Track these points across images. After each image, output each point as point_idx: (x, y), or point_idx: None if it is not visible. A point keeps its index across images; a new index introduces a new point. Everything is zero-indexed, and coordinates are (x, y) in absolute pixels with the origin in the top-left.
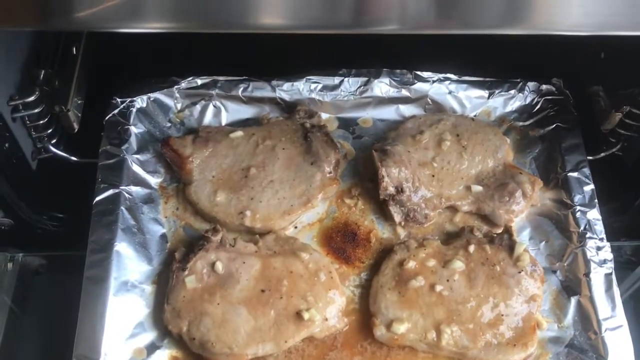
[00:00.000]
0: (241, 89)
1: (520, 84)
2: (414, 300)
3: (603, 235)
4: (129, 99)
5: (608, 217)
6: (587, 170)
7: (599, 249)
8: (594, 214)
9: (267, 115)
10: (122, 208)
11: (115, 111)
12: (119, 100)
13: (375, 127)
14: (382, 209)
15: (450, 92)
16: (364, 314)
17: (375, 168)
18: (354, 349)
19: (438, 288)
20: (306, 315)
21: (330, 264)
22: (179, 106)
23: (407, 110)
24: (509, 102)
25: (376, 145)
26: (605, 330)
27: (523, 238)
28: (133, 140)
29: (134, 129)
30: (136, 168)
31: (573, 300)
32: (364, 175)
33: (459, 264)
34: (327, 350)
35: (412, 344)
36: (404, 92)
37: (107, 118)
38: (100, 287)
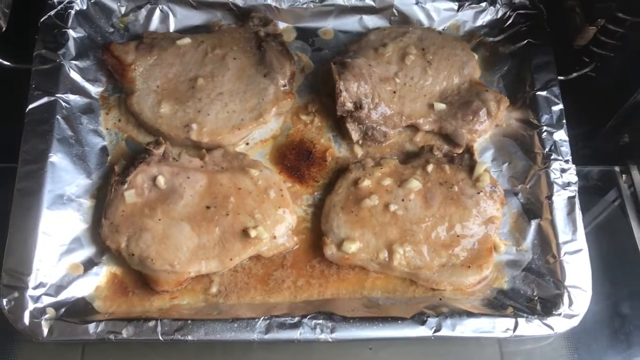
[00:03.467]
0: None
1: None
2: (367, 219)
3: (569, 157)
4: (66, 0)
5: (577, 142)
6: (556, 90)
7: (563, 171)
8: (561, 135)
9: (218, 22)
10: (58, 117)
11: (52, 12)
12: (55, 1)
13: (336, 40)
14: (339, 126)
15: (417, 3)
16: (316, 234)
17: (333, 82)
18: (302, 268)
19: (392, 207)
20: (253, 233)
21: (281, 181)
22: (122, 10)
23: (370, 21)
24: (479, 15)
25: (336, 58)
26: (564, 254)
27: (486, 159)
28: (71, 45)
29: (72, 33)
30: (74, 75)
31: (533, 224)
32: (322, 90)
33: (415, 184)
34: (274, 269)
35: (363, 263)
36: (368, 1)
37: (42, 20)
38: (33, 200)
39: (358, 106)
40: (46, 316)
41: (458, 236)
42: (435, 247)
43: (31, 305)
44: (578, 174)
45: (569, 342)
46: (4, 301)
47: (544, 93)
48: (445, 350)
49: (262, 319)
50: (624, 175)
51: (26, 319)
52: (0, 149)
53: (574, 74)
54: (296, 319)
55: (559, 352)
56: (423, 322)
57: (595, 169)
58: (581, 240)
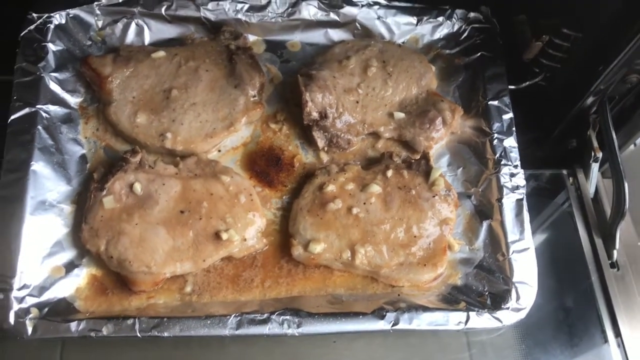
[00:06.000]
0: (165, 7)
1: (449, 11)
2: (332, 222)
3: (517, 163)
4: (45, 15)
5: (530, 146)
6: (507, 99)
7: (512, 175)
8: (511, 142)
9: (191, 35)
10: (39, 127)
11: (32, 27)
12: (35, 15)
13: (303, 52)
14: (306, 134)
15: (379, 18)
16: (284, 235)
17: (300, 93)
18: (271, 268)
19: (355, 210)
20: (225, 236)
21: (251, 186)
22: (99, 24)
23: (335, 34)
24: (437, 29)
25: (302, 70)
26: (513, 253)
27: (442, 164)
28: (51, 58)
29: (51, 47)
30: (54, 87)
31: (485, 224)
32: (290, 100)
33: (376, 188)
34: (245, 269)
35: (328, 263)
36: (333, 16)
37: (22, 34)
38: (16, 206)
39: (323, 115)
40: (30, 316)
41: (415, 236)
42: (394, 247)
43: (16, 306)
44: (530, 176)
45: (518, 333)
46: None
47: (495, 102)
48: (417, 340)
49: (233, 315)
50: (571, 178)
51: (11, 319)
52: None
53: (525, 84)
54: (265, 315)
55: (509, 342)
56: (382, 317)
57: (546, 172)
58: (528, 239)
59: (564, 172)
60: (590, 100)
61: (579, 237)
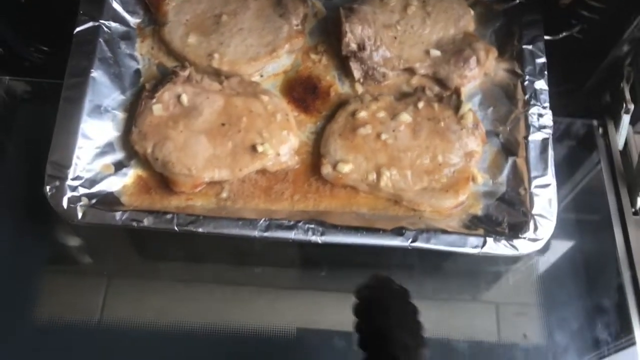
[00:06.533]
0: None
1: None
2: (360, 145)
3: (547, 104)
4: None
5: (561, 98)
6: (541, 45)
7: (540, 115)
8: (542, 84)
9: None
10: (101, 40)
11: None
12: None
13: None
14: (344, 67)
15: None
16: (316, 157)
17: (340, 25)
18: (301, 184)
19: (384, 136)
20: (260, 149)
21: (287, 108)
22: None
23: None
24: None
25: (345, 5)
26: (534, 187)
27: (474, 103)
28: None
29: None
30: (116, 6)
31: (510, 160)
32: (331, 34)
33: (406, 117)
34: (276, 182)
35: (354, 183)
36: None
37: None
38: (75, 107)
39: (361, 47)
40: (81, 203)
41: (440, 164)
42: (419, 173)
43: (69, 193)
44: (560, 124)
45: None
46: (47, 188)
47: (529, 47)
48: (447, 313)
49: (263, 219)
50: (601, 129)
51: (64, 204)
52: (53, 67)
53: (562, 34)
54: (292, 222)
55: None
56: (401, 234)
57: (576, 121)
58: (550, 176)
59: (595, 122)
60: (624, 49)
61: (604, 184)
